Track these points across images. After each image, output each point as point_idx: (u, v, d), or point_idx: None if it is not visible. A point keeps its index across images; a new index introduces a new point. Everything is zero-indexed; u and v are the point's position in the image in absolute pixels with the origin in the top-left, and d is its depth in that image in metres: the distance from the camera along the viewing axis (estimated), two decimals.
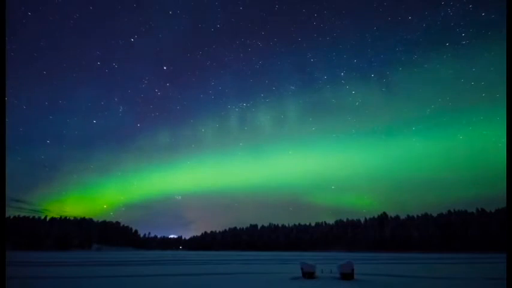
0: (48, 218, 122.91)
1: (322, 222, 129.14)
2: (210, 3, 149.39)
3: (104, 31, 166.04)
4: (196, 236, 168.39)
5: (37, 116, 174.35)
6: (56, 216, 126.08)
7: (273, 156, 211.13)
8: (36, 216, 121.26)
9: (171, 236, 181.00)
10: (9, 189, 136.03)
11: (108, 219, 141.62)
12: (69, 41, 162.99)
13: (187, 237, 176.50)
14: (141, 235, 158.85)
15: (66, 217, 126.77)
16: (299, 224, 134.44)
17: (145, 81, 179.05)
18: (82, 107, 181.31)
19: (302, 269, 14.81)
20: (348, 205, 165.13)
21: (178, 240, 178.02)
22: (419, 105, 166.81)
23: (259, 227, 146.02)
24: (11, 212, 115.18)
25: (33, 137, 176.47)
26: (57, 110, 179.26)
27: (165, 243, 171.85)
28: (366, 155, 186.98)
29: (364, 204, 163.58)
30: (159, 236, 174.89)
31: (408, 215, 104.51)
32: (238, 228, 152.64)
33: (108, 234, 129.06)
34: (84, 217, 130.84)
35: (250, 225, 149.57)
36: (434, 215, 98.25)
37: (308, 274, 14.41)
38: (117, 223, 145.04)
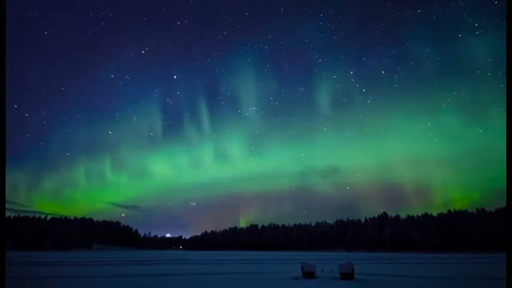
0: (48, 218, 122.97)
1: (322, 222, 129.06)
2: (216, 11, 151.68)
3: (115, 45, 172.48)
4: (197, 235, 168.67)
5: (57, 130, 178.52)
6: (56, 216, 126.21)
7: (285, 158, 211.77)
8: (36, 216, 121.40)
9: (172, 236, 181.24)
10: (17, 194, 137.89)
11: (108, 219, 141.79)
12: (84, 57, 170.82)
13: (187, 237, 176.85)
14: (141, 235, 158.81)
15: (66, 217, 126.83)
16: (299, 224, 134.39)
17: (157, 91, 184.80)
18: (98, 119, 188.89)
19: (302, 268, 14.83)
20: (362, 205, 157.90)
21: (179, 240, 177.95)
22: (434, 100, 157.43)
23: (259, 227, 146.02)
24: (11, 212, 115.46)
25: (54, 151, 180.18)
26: (75, 123, 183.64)
27: (165, 243, 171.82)
28: (379, 154, 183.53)
29: (372, 204, 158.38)
30: (159, 236, 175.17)
31: (408, 215, 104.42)
32: (238, 228, 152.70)
33: (109, 234, 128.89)
34: (84, 217, 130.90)
35: (251, 225, 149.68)
36: (435, 215, 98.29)
37: (308, 274, 14.42)
38: (118, 223, 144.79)
